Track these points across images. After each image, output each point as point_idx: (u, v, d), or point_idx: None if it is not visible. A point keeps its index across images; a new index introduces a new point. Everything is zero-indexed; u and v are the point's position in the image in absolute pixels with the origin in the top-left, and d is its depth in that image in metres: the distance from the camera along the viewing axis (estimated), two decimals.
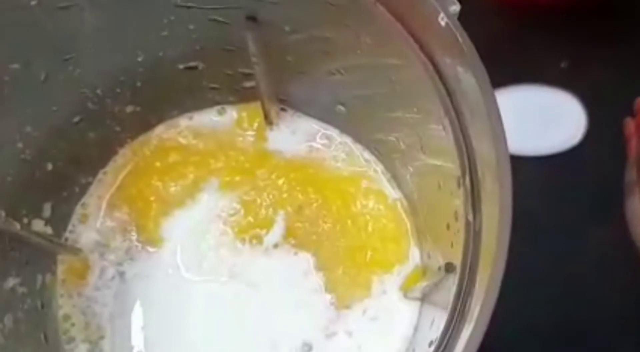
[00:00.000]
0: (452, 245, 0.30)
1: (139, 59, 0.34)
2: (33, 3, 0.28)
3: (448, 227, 0.31)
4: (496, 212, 0.24)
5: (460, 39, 0.24)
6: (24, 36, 0.29)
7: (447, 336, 0.26)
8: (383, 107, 0.35)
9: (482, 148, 0.25)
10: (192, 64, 0.36)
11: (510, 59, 0.25)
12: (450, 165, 0.29)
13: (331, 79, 0.36)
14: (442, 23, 0.24)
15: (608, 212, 0.42)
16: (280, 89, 0.39)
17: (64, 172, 0.36)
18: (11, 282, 0.34)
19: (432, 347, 0.27)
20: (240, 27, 0.33)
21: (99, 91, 0.34)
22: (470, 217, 0.26)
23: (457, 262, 0.28)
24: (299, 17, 0.32)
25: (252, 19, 0.33)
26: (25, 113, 0.32)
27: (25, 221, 0.35)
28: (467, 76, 0.25)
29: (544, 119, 0.45)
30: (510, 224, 0.22)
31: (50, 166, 0.35)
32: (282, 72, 0.37)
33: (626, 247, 0.40)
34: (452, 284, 0.29)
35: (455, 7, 0.24)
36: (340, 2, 0.29)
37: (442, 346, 0.25)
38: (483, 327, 0.21)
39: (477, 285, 0.26)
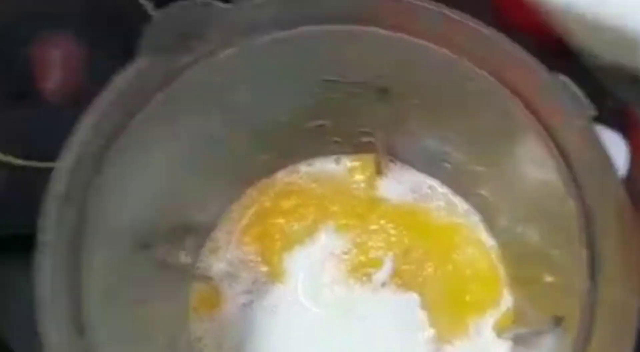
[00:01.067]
0: (555, 300, 0.35)
1: (281, 120, 0.39)
2: (217, 79, 0.33)
3: (550, 283, 0.36)
4: (616, 283, 0.29)
5: (594, 140, 0.28)
6: (205, 102, 0.34)
7: None
8: (489, 169, 0.40)
9: (606, 230, 0.30)
10: (321, 122, 0.41)
11: None
12: (561, 235, 0.34)
13: (443, 141, 0.41)
14: (578, 125, 0.29)
15: None
16: (393, 144, 0.43)
17: (203, 211, 0.42)
18: (166, 309, 0.39)
19: None
20: (372, 96, 0.38)
21: (244, 145, 0.40)
22: (587, 284, 0.31)
23: (566, 317, 0.33)
24: (429, 95, 0.36)
25: (384, 91, 0.37)
26: (187, 163, 0.37)
27: (175, 253, 0.40)
28: (596, 166, 0.30)
29: None
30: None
31: (196, 207, 0.41)
32: (399, 132, 0.42)
33: None
34: (556, 335, 0.34)
35: (591, 112, 0.29)
36: (476, 89, 0.33)
37: None
38: None
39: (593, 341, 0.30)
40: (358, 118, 0.40)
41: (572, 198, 0.31)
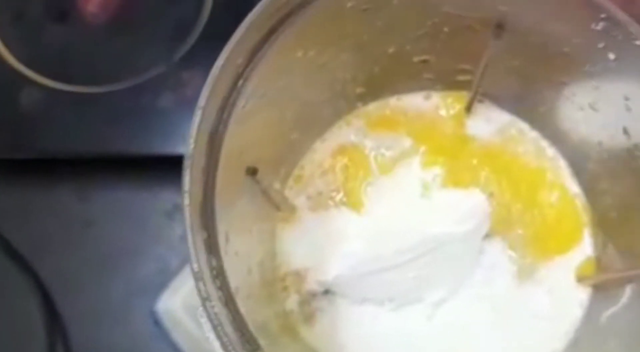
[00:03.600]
0: None
1: (390, 51, 0.38)
2: (349, 4, 0.32)
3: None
4: None
5: None
6: (330, 29, 0.33)
7: None
8: (596, 113, 0.40)
9: None
10: (425, 57, 0.40)
11: None
12: None
13: (550, 85, 0.40)
14: None
15: None
16: (488, 83, 0.43)
17: (299, 141, 0.41)
18: (260, 235, 0.39)
19: None
20: (485, 32, 0.37)
21: (348, 75, 0.39)
22: None
23: None
24: (549, 33, 0.36)
25: (500, 26, 0.37)
26: (299, 92, 0.36)
27: (272, 181, 0.40)
28: None
29: None
30: None
31: (295, 135, 0.40)
32: (499, 72, 0.41)
33: None
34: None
35: None
36: (607, 30, 0.33)
37: None
38: None
39: None
40: (464, 55, 0.40)
41: None
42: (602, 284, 0.41)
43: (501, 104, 0.45)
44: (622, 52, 0.33)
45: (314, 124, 0.41)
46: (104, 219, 0.51)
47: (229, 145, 0.30)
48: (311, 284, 0.42)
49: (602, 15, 0.32)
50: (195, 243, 0.25)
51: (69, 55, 0.51)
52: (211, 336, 0.25)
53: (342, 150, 0.44)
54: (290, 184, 0.43)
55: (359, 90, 0.42)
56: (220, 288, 0.28)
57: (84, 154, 0.49)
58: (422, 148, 0.44)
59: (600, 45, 0.34)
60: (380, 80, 0.42)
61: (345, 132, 0.44)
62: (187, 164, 0.26)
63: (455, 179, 0.44)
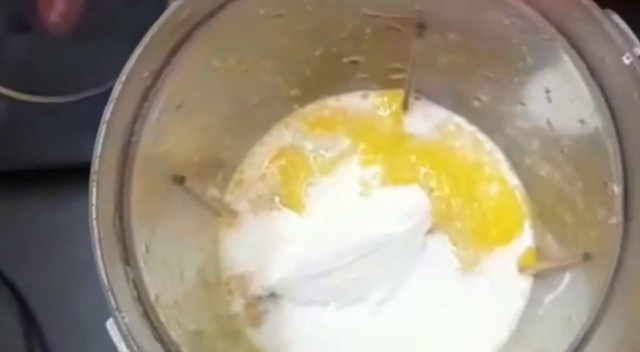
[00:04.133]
0: (581, 237, 0.36)
1: (317, 53, 0.39)
2: (261, 12, 0.32)
3: (577, 220, 0.37)
4: None
5: None
6: (245, 37, 0.34)
7: (592, 318, 0.31)
8: (523, 108, 0.40)
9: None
10: (354, 58, 0.41)
11: None
12: (592, 170, 0.34)
13: (478, 80, 0.41)
14: (627, 62, 0.29)
15: None
16: (421, 81, 0.43)
17: (234, 146, 0.42)
18: (197, 241, 0.39)
19: (575, 325, 0.32)
20: (409, 32, 0.37)
21: (277, 79, 0.39)
22: (621, 219, 0.32)
23: (595, 253, 0.34)
24: (468, 30, 0.36)
25: (422, 26, 0.37)
26: (225, 98, 0.37)
27: (207, 188, 0.40)
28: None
29: None
30: None
31: (228, 142, 0.41)
32: (430, 69, 0.41)
33: None
34: (582, 270, 0.35)
35: (639, 49, 0.29)
36: (518, 26, 0.33)
37: (587, 327, 0.31)
38: None
39: (623, 276, 0.31)
40: (392, 54, 0.40)
41: (610, 137, 0.32)
42: (542, 273, 0.42)
43: (438, 101, 0.45)
44: (534, 47, 0.34)
45: (250, 128, 0.42)
46: (80, 227, 0.51)
47: (147, 156, 0.31)
48: (256, 288, 0.42)
49: (511, 11, 0.33)
50: (103, 255, 0.26)
51: (32, 66, 0.51)
52: (121, 346, 0.25)
53: (281, 152, 0.45)
54: (231, 188, 0.44)
55: (293, 92, 0.42)
56: (138, 299, 0.28)
57: (54, 164, 0.49)
58: (361, 147, 0.45)
59: (515, 40, 0.35)
60: (314, 82, 0.42)
61: (284, 135, 0.45)
62: (93, 178, 0.27)
63: (394, 177, 0.44)
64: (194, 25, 0.30)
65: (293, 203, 0.44)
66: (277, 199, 0.44)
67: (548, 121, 0.38)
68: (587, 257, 0.35)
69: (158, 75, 0.30)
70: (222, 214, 0.43)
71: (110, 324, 0.26)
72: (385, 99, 0.45)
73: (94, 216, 0.26)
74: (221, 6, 0.31)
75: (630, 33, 0.29)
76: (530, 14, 0.32)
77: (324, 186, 0.44)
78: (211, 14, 0.31)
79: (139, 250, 0.29)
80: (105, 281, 0.25)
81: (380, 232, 0.41)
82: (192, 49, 0.31)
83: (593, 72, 0.32)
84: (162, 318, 0.29)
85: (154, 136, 0.31)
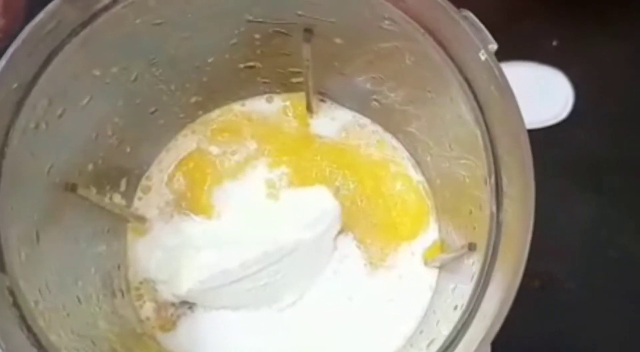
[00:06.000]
0: (474, 228, 0.37)
1: (209, 60, 0.40)
2: (137, 21, 0.33)
3: (470, 212, 0.38)
4: (517, 206, 0.31)
5: (497, 72, 0.30)
6: (125, 46, 0.34)
7: (473, 302, 0.32)
8: (414, 108, 0.41)
9: (508, 156, 0.32)
10: (251, 64, 0.42)
11: (502, 36, 0.30)
12: (475, 163, 0.35)
13: (371, 82, 0.42)
14: (482, 58, 0.30)
15: (590, 186, 0.48)
16: (322, 84, 0.45)
17: (137, 153, 0.42)
18: (100, 247, 0.40)
19: (460, 311, 0.34)
20: (298, 37, 0.38)
21: (172, 87, 0.40)
22: (494, 209, 0.33)
23: (479, 243, 0.35)
24: (351, 34, 0.37)
25: (309, 31, 0.38)
26: (117, 106, 0.37)
27: (109, 195, 0.41)
28: (498, 95, 0.31)
29: (532, 94, 0.48)
30: (533, 222, 0.29)
31: (128, 149, 0.41)
32: (327, 72, 0.43)
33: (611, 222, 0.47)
34: (472, 259, 0.37)
35: (493, 46, 0.30)
36: (393, 29, 0.34)
37: (469, 310, 0.32)
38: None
39: (497, 263, 0.32)
40: (287, 58, 0.41)
41: (480, 129, 0.33)
42: (445, 264, 0.43)
43: (342, 103, 0.47)
44: (410, 48, 0.35)
45: (153, 134, 0.43)
46: None
47: (24, 166, 0.31)
48: (168, 296, 0.43)
49: (383, 14, 0.34)
50: None
51: None
52: None
53: (188, 158, 0.45)
54: (138, 194, 0.45)
55: (194, 99, 0.43)
56: (14, 304, 0.29)
57: None
58: (268, 150, 0.46)
59: (393, 43, 0.36)
60: (215, 88, 0.43)
61: (189, 140, 0.45)
62: None
63: (301, 177, 0.45)
64: (65, 37, 0.31)
65: (200, 207, 0.44)
66: (184, 204, 0.44)
67: (435, 119, 0.39)
68: (472, 247, 0.36)
69: (31, 86, 0.30)
70: (129, 220, 0.43)
71: None
72: (290, 102, 0.46)
73: None
74: (93, 16, 0.31)
75: (485, 30, 0.30)
76: (398, 16, 0.33)
77: (232, 189, 0.45)
78: (83, 25, 0.31)
79: (16, 258, 0.29)
80: None
81: (289, 239, 0.42)
82: (65, 59, 0.31)
83: (460, 69, 0.33)
84: (41, 323, 0.29)
85: (33, 146, 0.31)
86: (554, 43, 0.51)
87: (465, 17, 0.31)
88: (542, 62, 0.50)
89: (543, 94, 0.51)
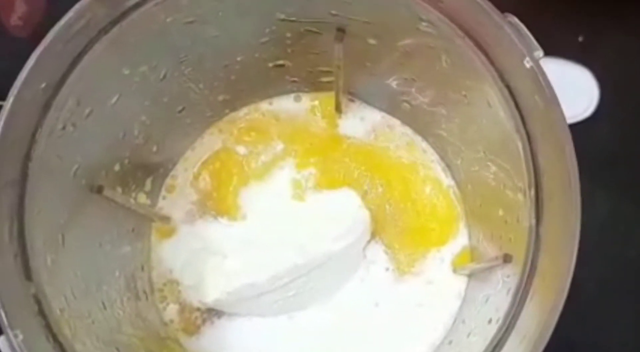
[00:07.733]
0: (510, 239, 0.36)
1: (238, 59, 0.39)
2: (168, 20, 0.32)
3: (506, 222, 0.37)
4: (559, 223, 0.30)
5: (543, 82, 0.28)
6: (155, 44, 0.33)
7: (509, 318, 0.31)
8: (446, 110, 0.40)
9: (551, 169, 0.30)
10: (280, 62, 0.41)
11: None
12: (512, 171, 0.34)
13: (402, 82, 0.40)
14: (527, 65, 0.29)
15: (615, 184, 0.47)
16: (352, 83, 0.43)
17: (163, 152, 0.42)
18: (125, 248, 0.39)
19: (495, 325, 0.32)
20: (330, 36, 0.37)
21: (200, 85, 0.39)
22: (534, 222, 0.31)
23: (514, 255, 0.34)
24: (385, 35, 0.36)
25: (341, 30, 0.37)
26: (144, 105, 0.36)
27: (134, 195, 0.40)
28: (543, 106, 0.30)
29: (558, 92, 0.48)
30: (577, 243, 0.27)
31: (154, 148, 0.40)
32: (358, 72, 0.41)
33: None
34: (506, 271, 0.35)
35: (539, 53, 0.29)
36: (430, 31, 0.33)
37: (505, 325, 0.31)
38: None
39: (535, 279, 0.31)
40: (318, 57, 0.40)
41: (521, 139, 0.31)
42: (476, 273, 0.42)
43: (372, 103, 0.45)
44: (448, 51, 0.34)
45: (179, 133, 0.42)
46: None
47: (52, 168, 0.31)
48: (194, 302, 0.42)
49: (422, 16, 0.33)
50: None
51: None
52: None
53: (214, 157, 0.44)
54: (163, 194, 0.44)
55: (221, 97, 0.42)
56: (39, 313, 0.28)
57: None
58: (295, 150, 0.45)
59: (430, 44, 0.35)
60: (243, 87, 0.42)
61: (216, 139, 0.45)
62: None
63: (328, 179, 0.44)
64: (94, 35, 0.30)
65: (226, 208, 0.43)
66: (210, 204, 0.44)
67: (469, 123, 0.37)
68: (507, 259, 0.35)
69: (59, 86, 0.29)
70: (154, 220, 0.42)
71: (2, 342, 0.26)
72: (318, 101, 0.45)
73: None
74: (123, 14, 0.30)
75: (530, 37, 0.29)
76: (436, 18, 0.32)
77: (258, 190, 0.44)
78: (113, 23, 0.30)
79: (42, 263, 0.29)
80: None
81: (319, 251, 0.41)
82: (94, 58, 0.30)
83: (502, 75, 0.31)
84: (66, 331, 0.28)
85: (60, 148, 0.30)
86: (580, 39, 0.49)
87: (510, 23, 0.29)
88: (568, 58, 0.48)
89: (569, 91, 0.50)
